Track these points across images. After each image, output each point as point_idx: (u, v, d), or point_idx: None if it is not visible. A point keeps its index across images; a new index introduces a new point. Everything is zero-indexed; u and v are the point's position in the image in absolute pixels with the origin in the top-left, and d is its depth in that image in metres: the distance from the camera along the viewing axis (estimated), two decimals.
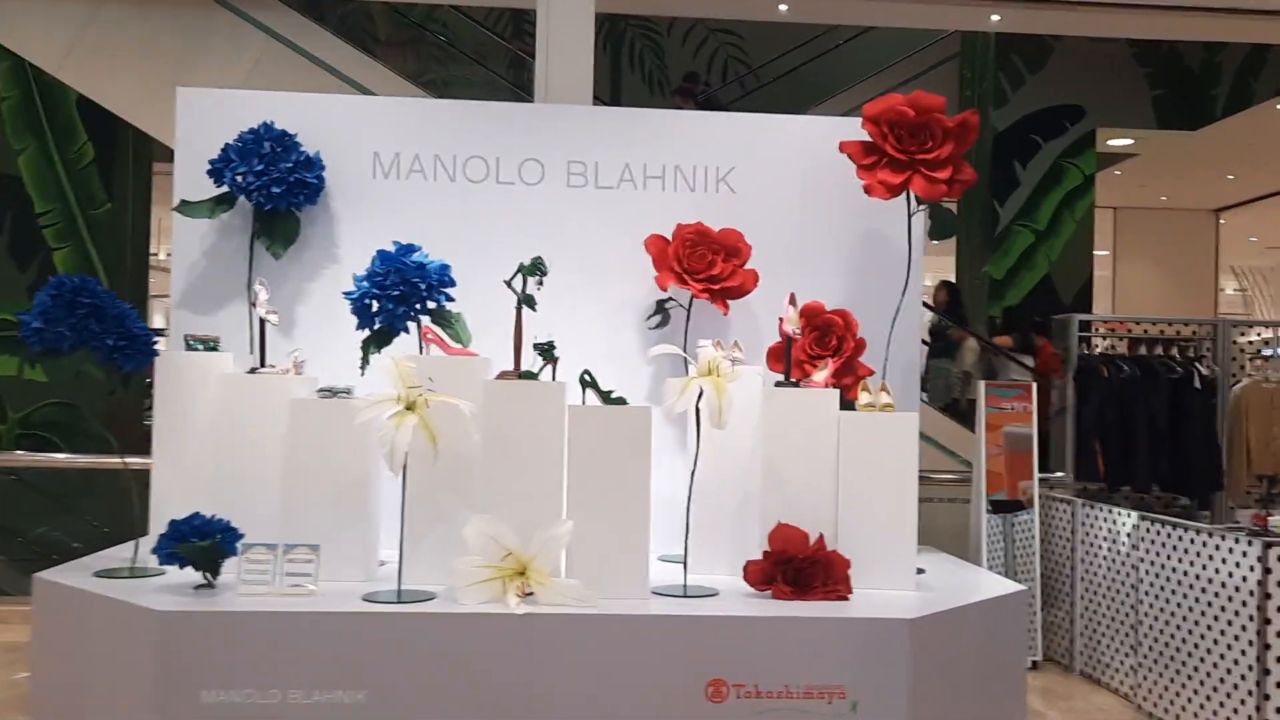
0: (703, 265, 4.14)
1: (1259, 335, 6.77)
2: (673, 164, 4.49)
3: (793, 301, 3.75)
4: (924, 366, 7.52)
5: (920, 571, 3.75)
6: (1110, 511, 5.47)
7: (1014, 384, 6.10)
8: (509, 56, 9.25)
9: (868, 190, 4.07)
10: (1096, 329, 6.62)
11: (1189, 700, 4.75)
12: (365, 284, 3.71)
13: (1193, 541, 4.77)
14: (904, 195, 4.11)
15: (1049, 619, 5.95)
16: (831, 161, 4.21)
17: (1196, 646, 4.71)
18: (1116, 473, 6.17)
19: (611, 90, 10.42)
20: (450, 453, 3.37)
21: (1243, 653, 4.42)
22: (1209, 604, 4.63)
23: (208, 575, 3.38)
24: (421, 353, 3.80)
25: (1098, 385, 6.18)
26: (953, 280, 9.52)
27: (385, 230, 4.12)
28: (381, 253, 3.74)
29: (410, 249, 3.76)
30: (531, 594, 3.23)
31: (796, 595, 3.42)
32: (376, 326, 3.75)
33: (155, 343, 3.76)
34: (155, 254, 8.93)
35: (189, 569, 3.37)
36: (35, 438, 7.80)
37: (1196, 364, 6.30)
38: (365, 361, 3.75)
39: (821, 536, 3.55)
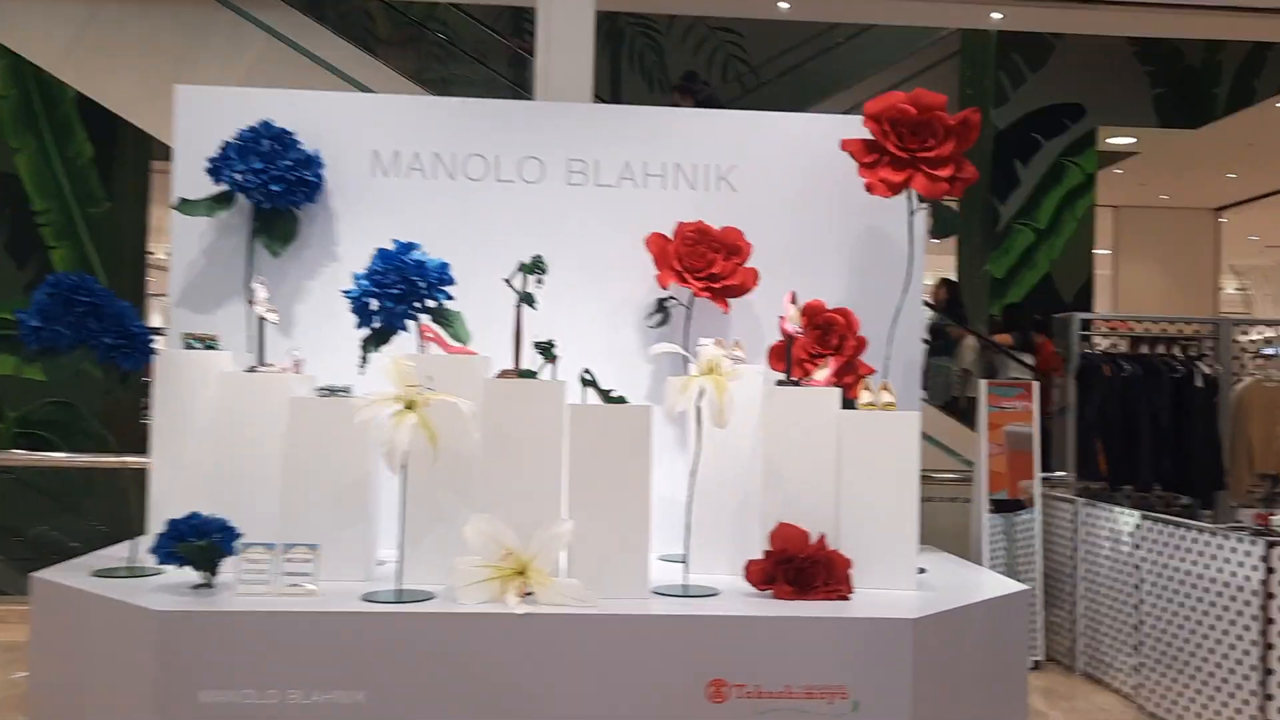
0: (703, 264, 4.13)
1: (1260, 334, 6.76)
2: (673, 162, 4.47)
3: (794, 300, 3.74)
4: (923, 364, 7.50)
5: (921, 571, 3.74)
6: (1112, 511, 5.46)
7: (1015, 382, 6.09)
8: (509, 55, 9.24)
9: (869, 188, 4.05)
10: (1098, 328, 6.61)
11: (1191, 700, 4.73)
12: (364, 282, 3.70)
13: (1195, 541, 4.75)
14: (905, 193, 4.09)
15: (1050, 619, 5.94)
16: (832, 160, 4.20)
17: (1199, 646, 4.69)
18: (1118, 472, 6.15)
19: (611, 88, 10.41)
20: (450, 452, 3.36)
21: (1245, 653, 4.40)
22: (1211, 604, 4.61)
23: (206, 575, 3.36)
24: (421, 351, 3.79)
25: (1099, 384, 6.16)
26: (952, 278, 9.51)
27: (384, 228, 4.11)
28: (381, 251, 3.73)
29: (410, 247, 3.75)
30: (531, 594, 3.22)
31: (797, 595, 3.41)
32: (376, 325, 3.73)
33: (153, 341, 3.75)
34: (153, 252, 8.91)
35: (187, 568, 3.36)
36: (33, 437, 7.79)
37: (1198, 362, 6.28)
38: (364, 360, 3.74)
39: (822, 536, 3.54)
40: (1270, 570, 4.30)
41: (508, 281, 3.66)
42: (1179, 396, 6.16)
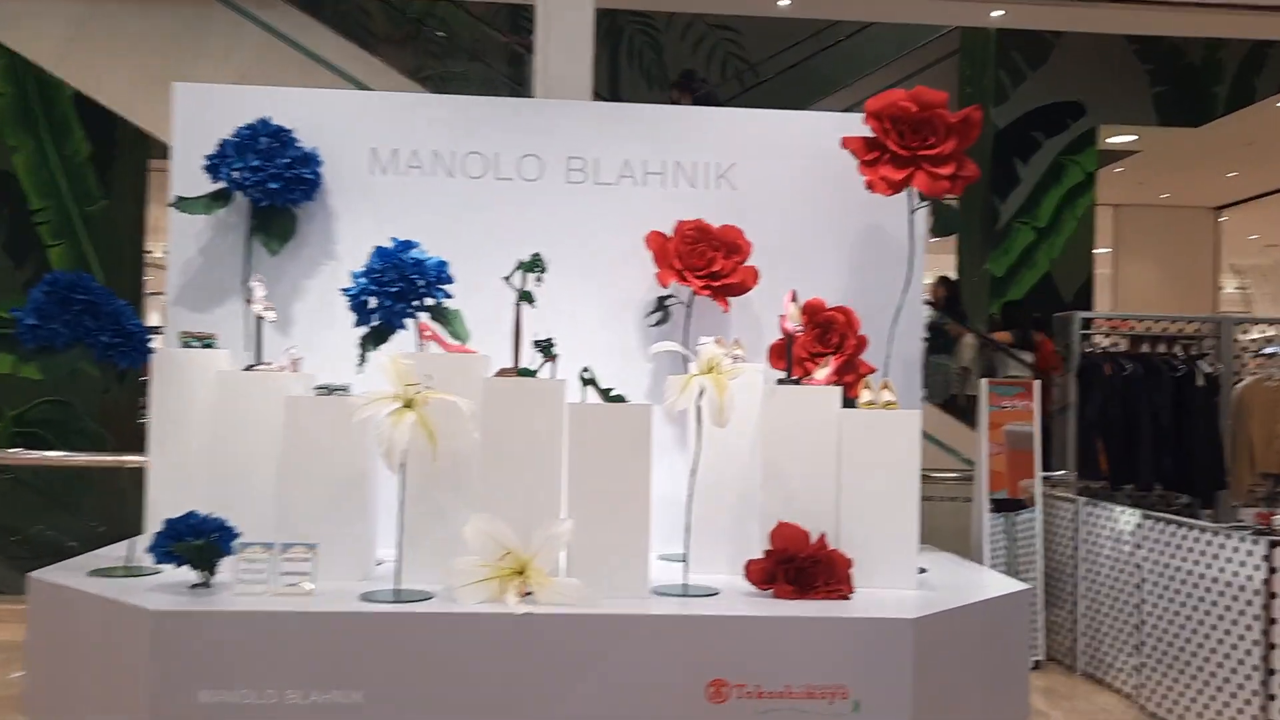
0: (703, 262, 4.11)
1: (1261, 333, 6.75)
2: (673, 160, 4.45)
3: (794, 298, 3.72)
4: (922, 362, 7.48)
5: (922, 571, 3.73)
6: (1113, 510, 5.45)
7: (1016, 381, 6.08)
8: (507, 52, 9.22)
9: (869, 186, 4.04)
10: (1099, 326, 6.60)
11: (1193, 700, 4.72)
12: (363, 280, 3.68)
13: (1196, 540, 4.74)
14: (906, 192, 4.08)
15: (1051, 618, 5.92)
16: (832, 158, 4.18)
17: (1200, 646, 4.68)
18: (1119, 471, 6.15)
19: (610, 86, 10.40)
20: (449, 451, 3.35)
21: (1248, 652, 4.39)
22: (1213, 603, 4.60)
23: (204, 574, 3.34)
24: (420, 350, 3.77)
25: (1100, 383, 6.15)
26: (950, 276, 9.50)
27: (383, 226, 4.10)
28: (379, 249, 3.71)
29: (408, 245, 3.73)
30: (531, 593, 3.20)
31: (798, 594, 3.39)
32: (374, 323, 3.72)
33: (150, 340, 3.73)
34: (151, 251, 8.89)
35: (185, 568, 3.34)
36: (30, 436, 7.77)
37: (1199, 361, 6.27)
38: (363, 359, 3.73)
39: (823, 535, 3.52)
40: (1272, 570, 4.29)
41: (507, 280, 3.64)
42: (1180, 396, 6.16)
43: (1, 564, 7.11)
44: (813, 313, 4.08)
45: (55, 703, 3.33)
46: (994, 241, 9.64)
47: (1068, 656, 5.81)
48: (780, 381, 3.76)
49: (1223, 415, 6.38)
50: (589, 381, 3.51)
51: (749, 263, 4.18)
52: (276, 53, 6.91)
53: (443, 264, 3.76)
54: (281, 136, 4.13)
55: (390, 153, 4.37)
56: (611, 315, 4.38)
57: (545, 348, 3.53)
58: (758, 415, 3.74)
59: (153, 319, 9.73)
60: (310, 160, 4.19)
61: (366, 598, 3.26)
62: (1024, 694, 3.75)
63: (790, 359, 3.78)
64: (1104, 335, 6.55)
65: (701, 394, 3.36)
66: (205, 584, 3.34)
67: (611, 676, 3.15)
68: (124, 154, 8.15)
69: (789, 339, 3.77)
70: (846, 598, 3.41)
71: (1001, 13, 7.58)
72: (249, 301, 3.88)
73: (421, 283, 3.68)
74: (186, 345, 3.86)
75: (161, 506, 3.57)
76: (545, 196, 4.40)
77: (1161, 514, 5.11)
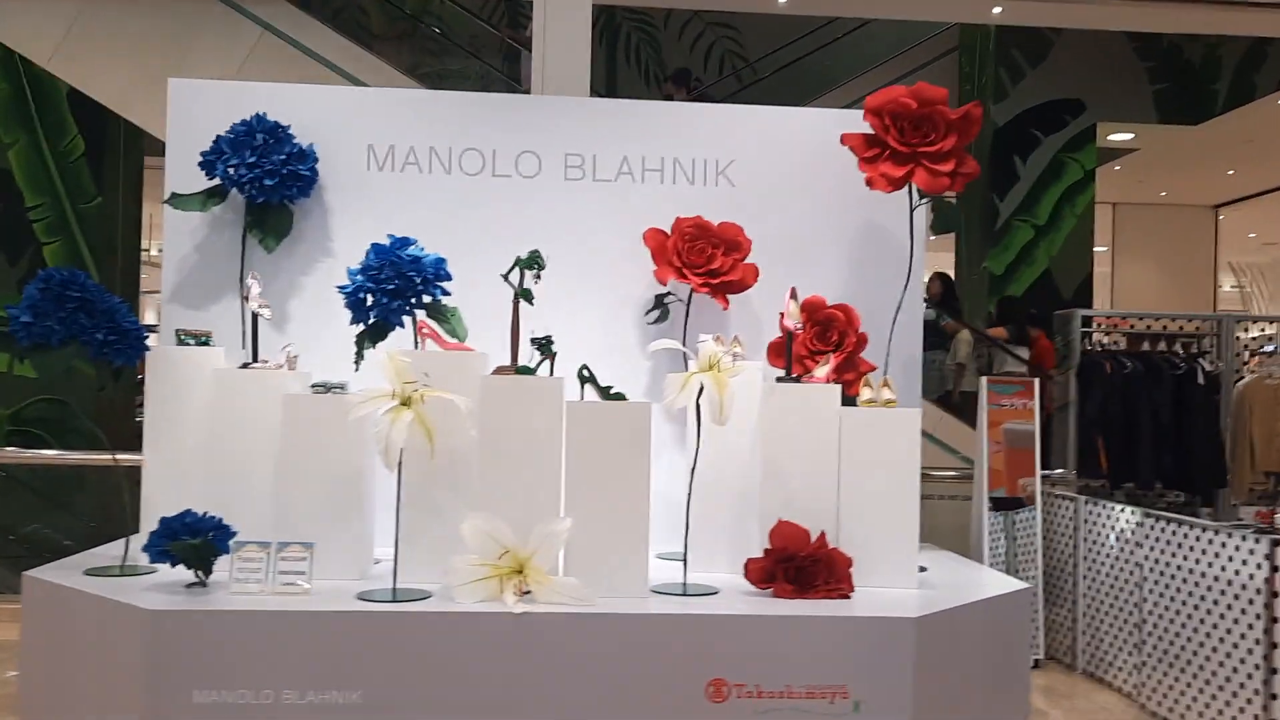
0: (702, 259, 4.09)
1: (1262, 330, 6.74)
2: (671, 157, 4.43)
3: (794, 296, 3.70)
4: None
5: (922, 569, 3.71)
6: (1113, 508, 5.43)
7: (1015, 380, 6.06)
8: (504, 49, 9.20)
9: (869, 183, 4.02)
10: (1099, 324, 6.58)
11: (1194, 699, 4.71)
12: (359, 278, 3.66)
13: (1198, 539, 4.73)
14: (906, 188, 4.06)
15: (1051, 617, 5.91)
16: (832, 154, 4.17)
17: (1201, 645, 4.67)
18: (1119, 469, 6.13)
19: (607, 83, 10.38)
20: (446, 449, 3.32)
21: (1249, 651, 4.38)
22: (1214, 602, 4.59)
23: (199, 573, 3.32)
24: (417, 347, 3.75)
25: (1100, 381, 6.14)
26: (947, 272, 9.48)
27: (380, 223, 4.08)
28: (376, 246, 3.69)
29: (405, 242, 3.71)
30: (529, 592, 3.18)
31: (798, 594, 3.37)
32: (371, 321, 3.70)
33: (146, 337, 3.70)
34: (146, 248, 8.87)
35: (180, 567, 3.32)
36: (25, 434, 7.75)
37: (1200, 359, 6.26)
38: (360, 356, 3.70)
39: (823, 534, 3.50)
40: (1274, 568, 4.27)
41: (505, 277, 3.62)
42: (1180, 394, 6.14)
43: None
44: (812, 310, 4.06)
45: (50, 703, 3.31)
46: (993, 239, 9.63)
47: (1068, 655, 5.79)
48: (780, 379, 3.74)
49: (1223, 413, 6.36)
50: (588, 379, 3.49)
51: (748, 260, 4.16)
52: (272, 49, 6.89)
53: (440, 261, 3.74)
54: (277, 133, 4.10)
55: (387, 149, 4.35)
56: (610, 313, 4.36)
57: (543, 345, 3.50)
58: (757, 413, 3.72)
59: (148, 316, 9.71)
60: (306, 157, 4.16)
61: (364, 597, 3.24)
62: (1025, 693, 3.74)
63: (790, 357, 3.76)
64: (1104, 333, 6.54)
65: (701, 392, 3.34)
66: (201, 583, 3.32)
67: (610, 676, 3.13)
68: (119, 150, 8.14)
69: (788, 336, 3.75)
70: (846, 597, 3.39)
71: (1001, 9, 7.57)
72: (245, 299, 3.86)
73: (419, 280, 3.66)
74: (182, 343, 3.84)
75: (157, 505, 3.55)
76: (543, 193, 4.38)
77: (1162, 512, 5.09)
